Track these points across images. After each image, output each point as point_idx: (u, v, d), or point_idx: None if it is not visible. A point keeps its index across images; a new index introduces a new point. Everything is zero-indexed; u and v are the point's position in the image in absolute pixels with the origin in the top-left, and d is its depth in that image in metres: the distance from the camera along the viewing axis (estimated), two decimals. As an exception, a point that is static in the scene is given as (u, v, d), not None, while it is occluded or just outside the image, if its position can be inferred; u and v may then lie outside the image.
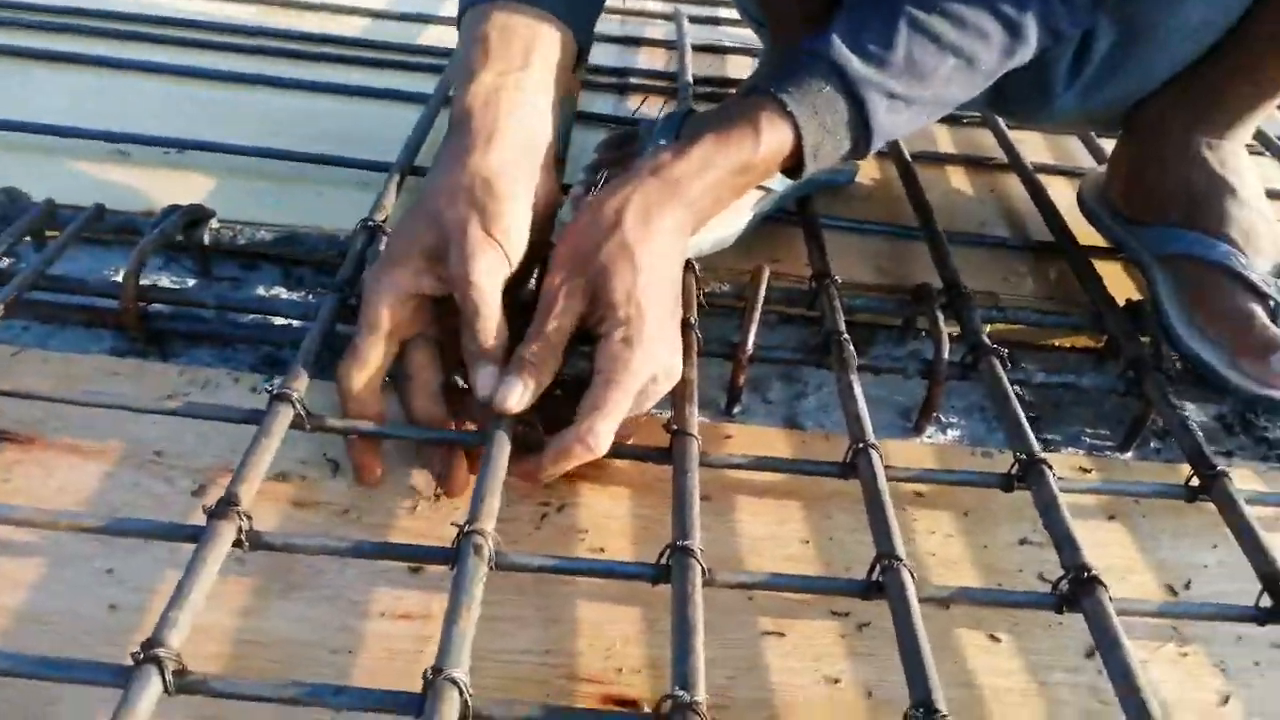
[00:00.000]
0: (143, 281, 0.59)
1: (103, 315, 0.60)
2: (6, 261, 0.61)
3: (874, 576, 0.46)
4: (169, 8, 1.11)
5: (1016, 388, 0.72)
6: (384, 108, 0.94)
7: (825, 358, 0.63)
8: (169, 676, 0.36)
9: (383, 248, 0.54)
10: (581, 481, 0.55)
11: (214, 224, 0.66)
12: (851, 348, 0.62)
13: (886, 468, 0.53)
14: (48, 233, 0.64)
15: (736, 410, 0.66)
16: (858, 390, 0.58)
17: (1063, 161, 0.99)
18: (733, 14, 1.24)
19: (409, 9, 1.19)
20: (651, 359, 0.51)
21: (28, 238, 0.63)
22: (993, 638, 0.50)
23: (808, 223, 0.77)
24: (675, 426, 0.53)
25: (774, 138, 0.55)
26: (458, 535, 0.43)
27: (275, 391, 0.49)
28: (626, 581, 0.47)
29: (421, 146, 0.81)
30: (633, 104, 1.01)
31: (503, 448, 0.49)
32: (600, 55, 1.12)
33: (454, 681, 0.37)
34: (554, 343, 0.51)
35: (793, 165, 0.58)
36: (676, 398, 0.54)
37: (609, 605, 0.48)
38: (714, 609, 0.49)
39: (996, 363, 0.63)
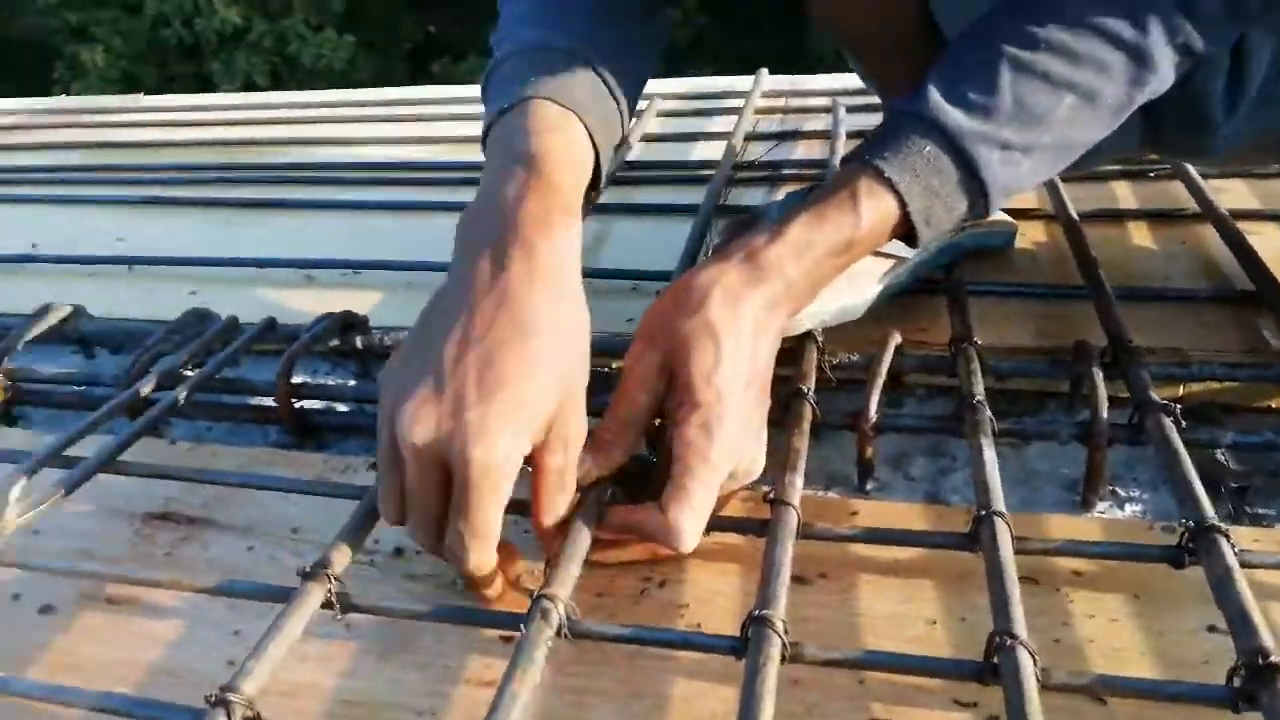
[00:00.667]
0: (305, 381, 0.66)
1: (267, 413, 0.67)
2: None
3: (992, 658, 0.41)
4: (362, 156, 1.27)
5: (1220, 453, 0.63)
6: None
7: (961, 426, 0.58)
8: (237, 720, 0.38)
9: (486, 407, 0.43)
10: (688, 557, 0.53)
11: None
12: (988, 413, 0.57)
13: (1019, 538, 0.48)
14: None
15: (871, 486, 0.62)
16: (988, 456, 0.53)
17: (1275, 206, 0.88)
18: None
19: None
20: (732, 451, 0.48)
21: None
22: (1162, 740, 0.42)
23: (952, 289, 0.73)
24: (773, 496, 0.50)
25: (876, 209, 0.52)
26: (531, 601, 0.43)
27: (382, 468, 0.52)
28: (721, 658, 0.45)
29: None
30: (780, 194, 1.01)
31: (587, 520, 0.48)
32: (757, 152, 1.14)
33: (497, 744, 0.36)
34: (627, 420, 0.49)
35: (905, 233, 0.54)
36: (778, 467, 0.52)
37: (700, 682, 0.46)
38: (819, 690, 0.45)
39: (1167, 421, 0.56)
